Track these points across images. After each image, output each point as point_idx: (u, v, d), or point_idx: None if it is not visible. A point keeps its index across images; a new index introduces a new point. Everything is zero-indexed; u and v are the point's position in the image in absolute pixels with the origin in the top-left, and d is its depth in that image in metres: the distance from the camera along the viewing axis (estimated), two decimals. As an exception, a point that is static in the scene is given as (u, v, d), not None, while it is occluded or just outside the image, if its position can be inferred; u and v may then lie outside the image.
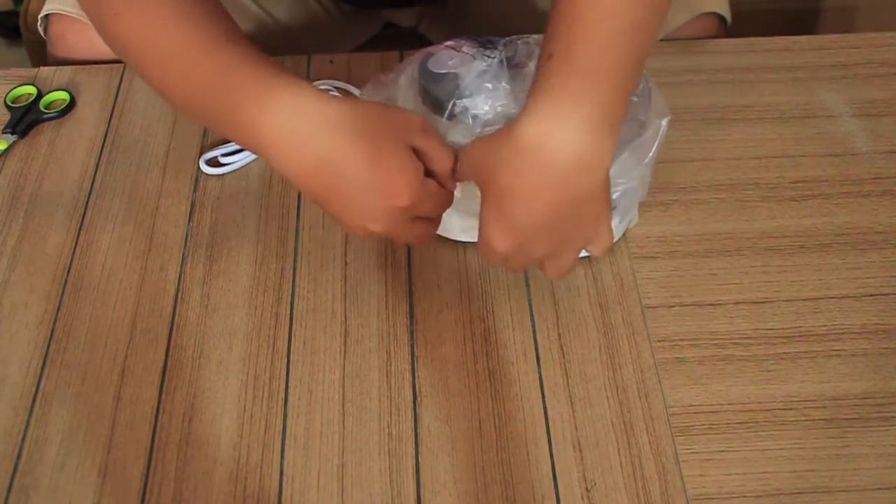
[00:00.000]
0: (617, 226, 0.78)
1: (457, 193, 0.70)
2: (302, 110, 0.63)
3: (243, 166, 0.88)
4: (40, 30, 1.03)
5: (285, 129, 0.63)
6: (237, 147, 0.89)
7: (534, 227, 0.64)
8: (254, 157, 0.89)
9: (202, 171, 0.88)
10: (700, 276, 0.79)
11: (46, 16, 1.00)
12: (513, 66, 0.73)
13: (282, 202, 0.85)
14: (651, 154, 0.74)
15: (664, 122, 0.74)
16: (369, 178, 0.63)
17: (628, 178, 0.75)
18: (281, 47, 1.07)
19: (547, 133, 0.62)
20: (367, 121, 0.64)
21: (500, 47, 0.75)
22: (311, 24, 1.08)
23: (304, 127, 0.63)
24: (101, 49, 0.98)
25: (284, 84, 0.63)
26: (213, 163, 0.88)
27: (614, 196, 0.75)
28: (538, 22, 1.04)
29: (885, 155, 0.89)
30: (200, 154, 0.89)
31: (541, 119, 0.62)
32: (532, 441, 0.69)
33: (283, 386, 0.73)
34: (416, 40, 1.13)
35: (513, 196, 0.64)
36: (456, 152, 0.68)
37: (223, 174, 0.87)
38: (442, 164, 0.67)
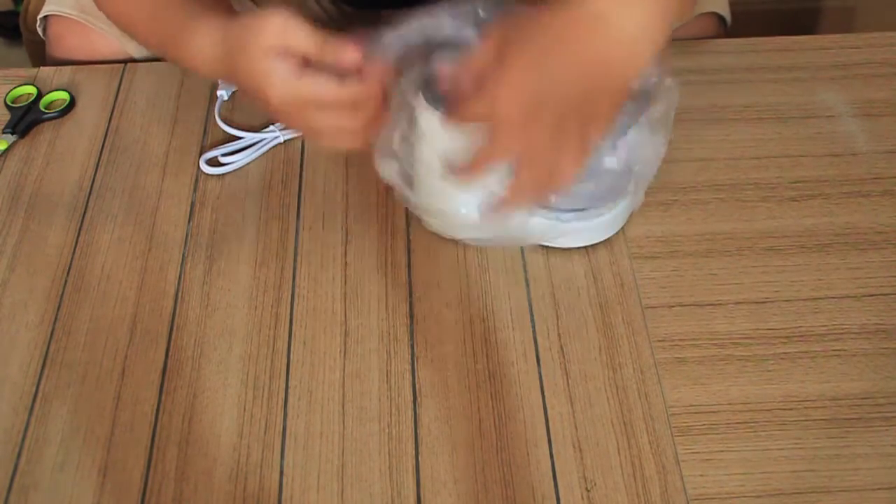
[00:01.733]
0: (633, 199, 0.79)
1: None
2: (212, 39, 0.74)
3: (243, 166, 0.88)
4: (39, 31, 1.03)
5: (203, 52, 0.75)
6: (237, 147, 0.89)
7: (557, 93, 0.62)
8: (254, 156, 0.89)
9: (202, 171, 0.88)
10: (700, 276, 0.79)
11: (45, 17, 1.00)
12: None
13: (282, 202, 0.85)
14: (667, 122, 0.74)
15: (671, 83, 0.72)
16: (247, 89, 0.72)
17: (645, 149, 0.75)
18: None
19: (614, 7, 0.62)
20: (229, 43, 0.72)
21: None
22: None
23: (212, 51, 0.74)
24: (101, 51, 0.99)
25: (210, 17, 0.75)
26: (214, 163, 0.88)
27: (635, 168, 0.75)
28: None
29: (885, 155, 0.89)
30: (200, 154, 0.89)
31: None
32: (532, 441, 0.69)
33: (283, 386, 0.73)
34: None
35: (546, 58, 0.62)
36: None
37: (223, 174, 0.87)
38: (310, 51, 0.69)
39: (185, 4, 0.77)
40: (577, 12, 0.63)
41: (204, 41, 0.75)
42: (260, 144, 0.89)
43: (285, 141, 0.90)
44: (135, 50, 0.99)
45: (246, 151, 0.89)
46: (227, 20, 0.74)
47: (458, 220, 0.77)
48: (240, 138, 0.89)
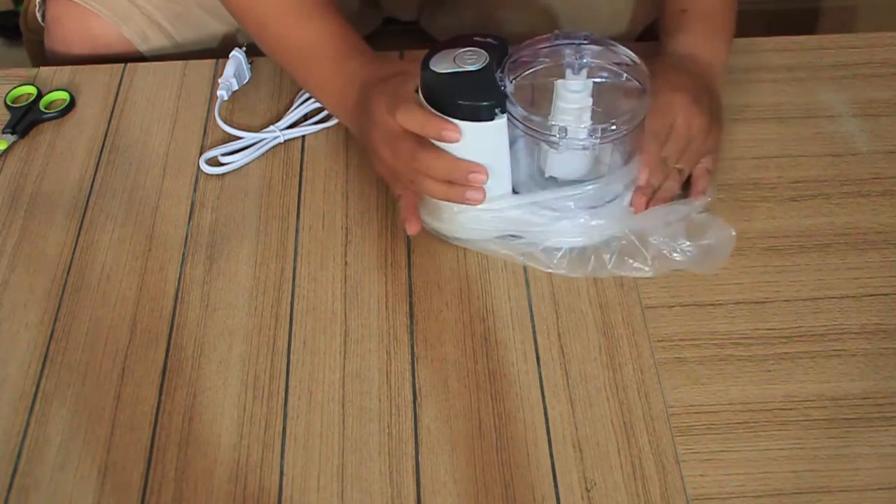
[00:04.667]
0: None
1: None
2: (350, 79, 0.82)
3: (243, 166, 0.88)
4: (38, 15, 1.03)
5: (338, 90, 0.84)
6: (237, 147, 0.89)
7: (698, 115, 0.81)
8: (254, 156, 0.89)
9: (202, 171, 0.88)
10: (700, 276, 0.79)
11: (44, 1, 1.00)
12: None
13: (282, 202, 0.85)
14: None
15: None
16: (370, 110, 0.78)
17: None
18: None
19: (716, 55, 0.88)
20: (375, 87, 0.79)
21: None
22: None
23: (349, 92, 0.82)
24: (98, 34, 0.99)
25: (346, 58, 0.83)
26: (213, 162, 0.88)
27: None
28: (535, 12, 1.05)
29: (885, 155, 0.89)
30: (200, 154, 0.89)
31: (696, 43, 0.87)
32: (532, 441, 0.69)
33: (283, 386, 0.73)
34: (417, 35, 1.13)
35: (701, 93, 0.83)
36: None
37: (223, 174, 0.87)
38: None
39: (332, 34, 0.84)
40: (701, 64, 0.86)
41: (345, 83, 0.82)
42: (260, 144, 0.89)
43: (286, 141, 0.90)
44: (130, 33, 0.99)
45: (245, 151, 0.89)
46: (369, 67, 0.81)
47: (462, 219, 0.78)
48: (240, 138, 0.89)
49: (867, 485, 0.67)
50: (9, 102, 0.93)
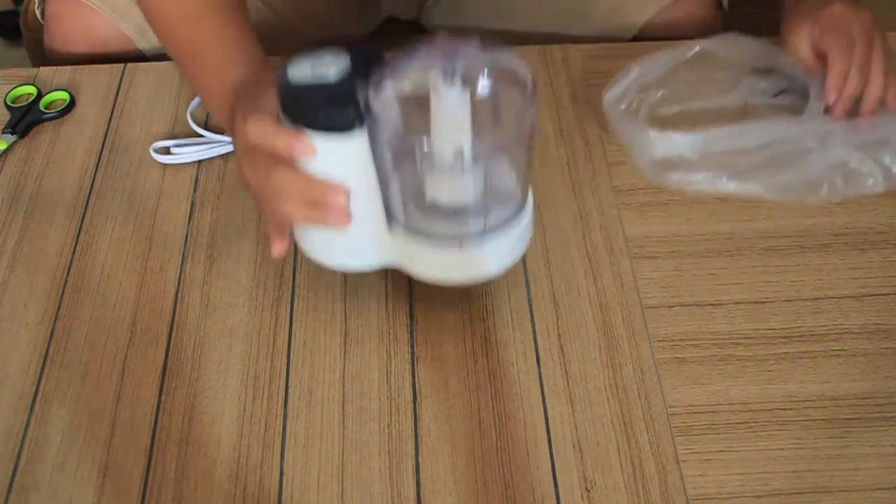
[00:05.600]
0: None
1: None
2: (231, 89, 0.75)
3: (192, 162, 0.88)
4: (37, 12, 1.03)
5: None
6: (196, 142, 0.89)
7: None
8: (204, 155, 0.88)
9: (156, 160, 0.88)
10: (700, 276, 0.79)
11: None
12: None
13: (282, 202, 0.85)
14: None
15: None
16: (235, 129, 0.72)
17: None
18: (282, 40, 1.07)
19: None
20: (240, 97, 0.73)
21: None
22: (313, 17, 1.08)
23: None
24: (96, 30, 0.99)
25: (230, 65, 0.76)
26: (164, 151, 0.89)
27: None
28: (535, 7, 1.05)
29: (885, 155, 0.89)
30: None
31: None
32: (532, 441, 0.69)
33: (283, 386, 0.73)
34: (418, 34, 1.13)
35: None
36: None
37: (175, 164, 0.87)
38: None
39: (224, 36, 0.78)
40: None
41: (225, 92, 0.75)
42: (215, 146, 0.89)
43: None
44: (129, 29, 0.99)
45: (198, 147, 0.88)
46: (247, 75, 0.75)
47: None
48: (200, 136, 0.89)
49: (867, 485, 0.67)
50: (9, 102, 0.93)
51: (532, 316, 0.77)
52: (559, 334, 0.76)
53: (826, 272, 0.80)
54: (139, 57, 1.00)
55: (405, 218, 0.70)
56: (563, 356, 0.74)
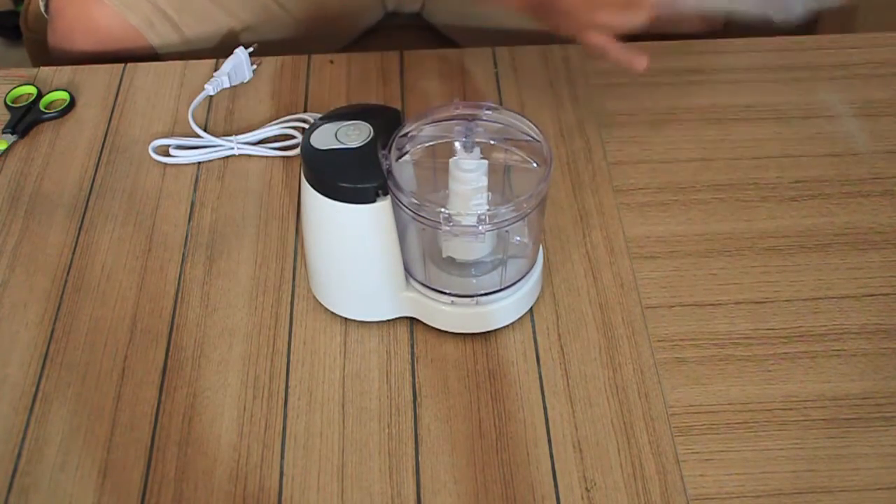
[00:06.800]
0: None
1: None
2: None
3: (190, 164, 0.88)
4: (41, 6, 1.03)
5: None
6: (194, 144, 0.89)
7: None
8: (202, 158, 0.88)
9: (152, 158, 0.88)
10: (700, 276, 0.79)
11: None
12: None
13: (282, 202, 0.85)
14: None
15: None
16: None
17: None
18: (286, 34, 1.07)
19: None
20: None
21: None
22: (317, 10, 1.08)
23: None
24: (101, 25, 0.99)
25: None
26: (163, 151, 0.89)
27: None
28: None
29: (885, 155, 0.89)
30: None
31: None
32: (532, 441, 0.69)
33: (283, 386, 0.73)
34: (421, 28, 1.13)
35: None
36: None
37: (179, 164, 0.87)
38: None
39: None
40: None
41: None
42: (213, 150, 0.88)
43: (240, 155, 0.89)
44: (136, 20, 0.99)
45: (197, 151, 0.88)
46: None
47: None
48: (199, 136, 0.89)
49: (867, 485, 0.67)
50: (9, 102, 0.93)
51: (532, 316, 0.77)
52: (559, 334, 0.76)
53: (826, 272, 0.80)
54: (145, 51, 1.00)
55: (423, 274, 0.74)
56: (563, 356, 0.74)
